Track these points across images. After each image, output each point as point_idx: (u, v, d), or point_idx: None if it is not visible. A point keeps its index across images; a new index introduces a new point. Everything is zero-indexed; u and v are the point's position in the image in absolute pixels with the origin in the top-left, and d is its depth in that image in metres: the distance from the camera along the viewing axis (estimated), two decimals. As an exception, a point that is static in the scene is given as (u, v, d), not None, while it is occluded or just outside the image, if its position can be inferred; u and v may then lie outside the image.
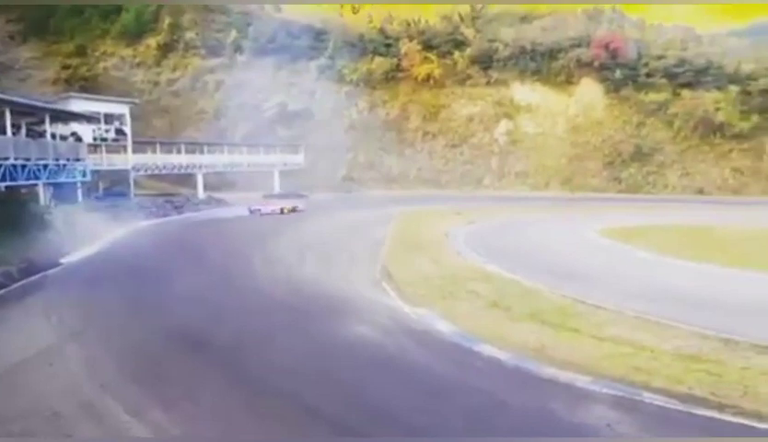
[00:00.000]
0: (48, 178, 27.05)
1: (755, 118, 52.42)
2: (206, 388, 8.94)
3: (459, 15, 67.07)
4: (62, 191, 29.64)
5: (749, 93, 53.51)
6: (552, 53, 60.89)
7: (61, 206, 27.29)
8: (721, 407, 7.90)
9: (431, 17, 67.71)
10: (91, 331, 12.15)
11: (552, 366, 9.58)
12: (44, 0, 55.84)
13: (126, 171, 39.97)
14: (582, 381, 8.96)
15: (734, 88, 53.93)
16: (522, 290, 14.73)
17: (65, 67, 58.87)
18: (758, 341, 10.16)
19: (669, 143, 55.11)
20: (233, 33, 62.84)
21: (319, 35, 63.39)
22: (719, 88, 54.70)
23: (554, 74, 60.45)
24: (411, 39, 63.08)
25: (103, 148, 38.36)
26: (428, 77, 61.32)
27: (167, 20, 62.99)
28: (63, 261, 19.84)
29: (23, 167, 24.51)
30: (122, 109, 39.83)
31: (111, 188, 40.68)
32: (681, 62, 57.61)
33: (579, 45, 60.39)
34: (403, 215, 33.69)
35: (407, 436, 7.52)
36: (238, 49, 62.53)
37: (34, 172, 25.56)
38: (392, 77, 62.34)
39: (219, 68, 61.88)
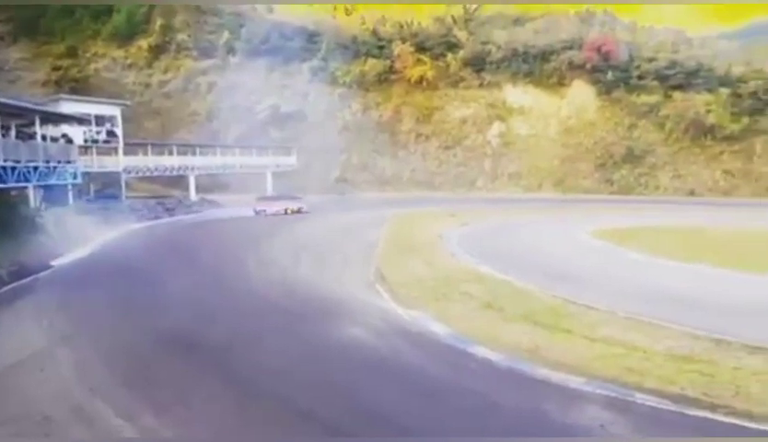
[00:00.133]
0: (38, 180, 26.82)
1: (745, 120, 52.92)
2: (199, 390, 8.87)
3: (452, 17, 67.23)
4: (52, 194, 29.38)
5: (739, 95, 54.01)
6: (545, 56, 61.16)
7: (51, 209, 27.06)
8: (713, 407, 7.93)
9: (424, 19, 67.93)
10: (83, 334, 12.04)
11: (545, 367, 9.59)
12: (35, 0, 55.45)
13: (117, 173, 39.70)
14: (575, 382, 8.98)
15: (724, 91, 54.44)
16: (515, 291, 14.75)
17: (56, 68, 58.43)
18: (749, 341, 10.22)
19: (661, 145, 55.49)
20: (225, 35, 62.62)
21: (311, 37, 63.29)
22: (710, 91, 55.19)
23: (547, 76, 60.71)
24: (404, 41, 63.13)
25: (94, 150, 38.07)
26: (421, 79, 61.40)
27: (158, 22, 62.69)
28: (54, 263, 19.69)
29: (13, 169, 24.27)
30: (113, 110, 39.56)
31: (103, 190, 40.36)
32: (672, 64, 58.06)
33: (571, 47, 60.71)
34: (397, 216, 33.69)
35: (401, 436, 7.50)
36: (230, 50, 62.32)
37: (24, 174, 25.33)
38: (385, 79, 62.34)
39: (211, 70, 61.64)
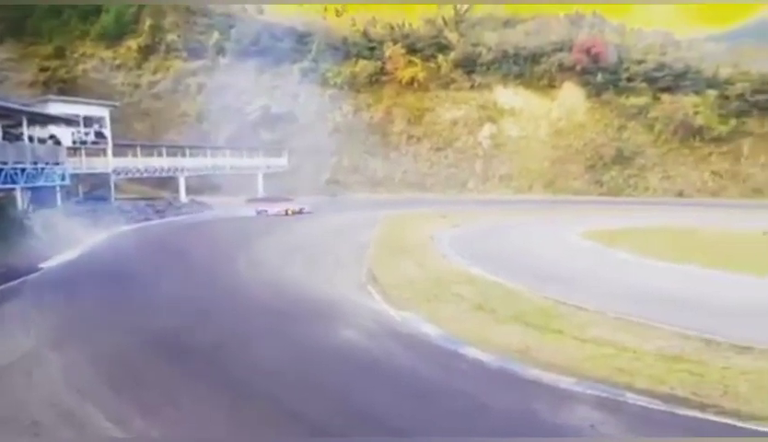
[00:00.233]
0: (26, 182, 26.54)
1: (733, 122, 53.41)
2: (189, 392, 8.82)
3: (443, 19, 67.32)
4: (40, 196, 29.07)
5: (726, 97, 54.51)
6: (535, 58, 61.39)
7: (39, 211, 26.80)
8: (703, 407, 8.01)
9: (414, 20, 67.99)
10: (72, 336, 11.91)
11: (536, 367, 9.64)
12: (22, 0, 54.91)
13: (107, 175, 39.35)
14: (566, 382, 9.03)
15: (712, 93, 54.91)
16: (506, 293, 14.80)
17: (43, 69, 57.89)
18: (738, 341, 10.32)
19: (650, 146, 55.89)
20: (215, 35, 62.32)
21: (302, 38, 63.13)
22: (698, 93, 55.65)
23: (537, 78, 60.94)
24: (395, 42, 63.12)
25: (83, 151, 37.72)
26: (412, 81, 61.43)
27: (147, 22, 62.29)
28: (42, 266, 19.47)
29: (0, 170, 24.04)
30: (101, 111, 39.20)
31: (92, 192, 39.97)
32: (661, 66, 58.49)
33: (561, 49, 60.99)
34: (388, 218, 33.70)
35: (392, 437, 7.49)
36: (220, 51, 62.04)
37: (11, 176, 25.04)
38: (376, 81, 62.30)
39: (201, 71, 61.32)
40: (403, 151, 60.15)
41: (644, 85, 57.61)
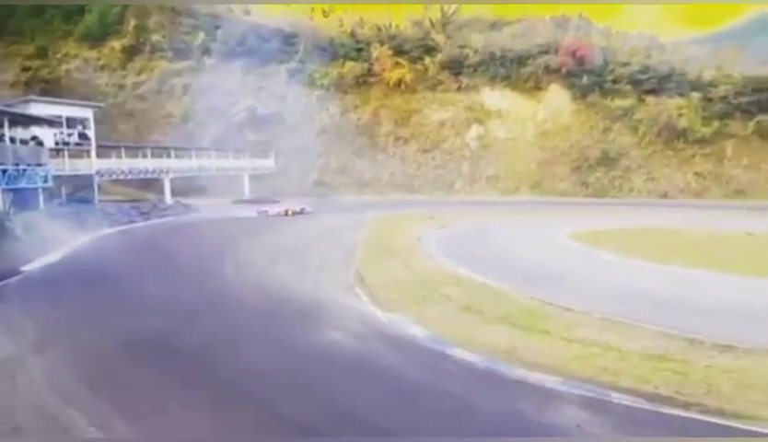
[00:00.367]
0: (7, 183, 26.16)
1: (716, 124, 54.07)
2: (175, 395, 8.73)
3: (430, 20, 67.55)
4: (22, 197, 28.64)
5: (710, 100, 55.19)
6: (522, 60, 61.76)
7: (21, 213, 26.42)
8: (686, 405, 8.09)
9: (402, 22, 68.16)
10: (54, 340, 11.72)
11: (522, 367, 9.68)
12: (3, 0, 54.15)
13: (90, 176, 38.89)
14: (552, 382, 9.08)
15: (696, 95, 55.56)
16: (493, 293, 14.84)
17: (25, 69, 57.18)
18: (721, 340, 10.44)
19: (635, 148, 56.43)
20: (201, 36, 61.92)
21: (288, 38, 62.94)
22: (682, 95, 56.28)
23: (523, 80, 61.32)
24: (382, 43, 63.16)
25: (66, 153, 37.27)
26: (400, 82, 61.51)
27: (132, 22, 61.74)
28: (24, 269, 19.17)
29: (-19, 172, 23.68)
30: (85, 112, 38.73)
31: (75, 193, 39.45)
32: (646, 69, 59.10)
33: (547, 52, 61.43)
34: (376, 219, 33.67)
35: (379, 437, 7.47)
36: (205, 52, 61.64)
37: (-7, 177, 24.72)
38: (364, 82, 62.32)
39: (186, 71, 60.88)
40: (391, 152, 60.19)
41: (628, 87, 58.18)
